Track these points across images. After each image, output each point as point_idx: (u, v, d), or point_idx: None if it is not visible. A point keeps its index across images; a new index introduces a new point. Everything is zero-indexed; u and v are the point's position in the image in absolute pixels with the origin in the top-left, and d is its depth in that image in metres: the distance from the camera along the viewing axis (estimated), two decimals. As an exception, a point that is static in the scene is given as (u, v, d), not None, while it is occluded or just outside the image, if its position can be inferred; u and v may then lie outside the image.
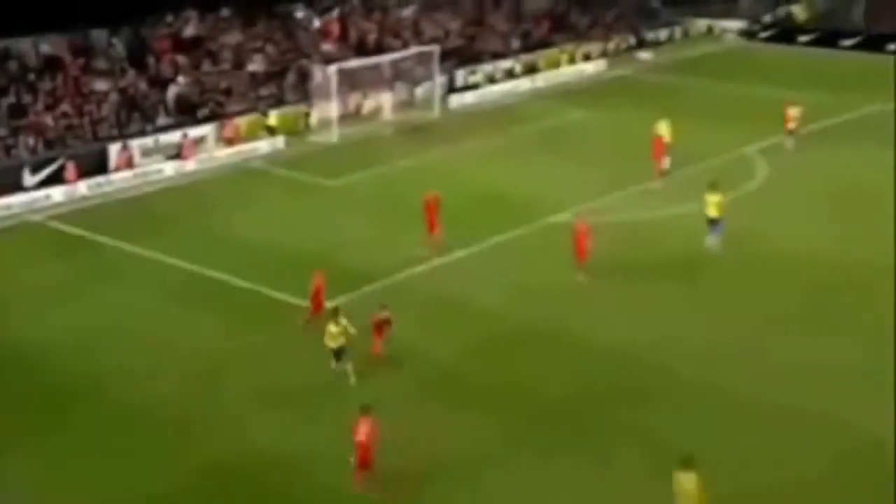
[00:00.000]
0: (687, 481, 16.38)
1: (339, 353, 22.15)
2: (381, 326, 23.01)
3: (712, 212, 28.70)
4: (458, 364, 23.01)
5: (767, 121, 41.07)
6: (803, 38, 59.83)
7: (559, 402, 21.27)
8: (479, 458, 19.26)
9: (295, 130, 42.10)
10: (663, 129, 36.52)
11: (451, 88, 48.11)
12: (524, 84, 50.77)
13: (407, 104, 45.48)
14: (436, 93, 45.88)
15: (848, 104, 44.74)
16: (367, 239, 30.40)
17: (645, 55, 58.10)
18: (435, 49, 45.90)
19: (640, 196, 34.07)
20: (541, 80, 51.52)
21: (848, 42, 57.97)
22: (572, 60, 54.58)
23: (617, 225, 30.89)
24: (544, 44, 54.96)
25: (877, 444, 19.54)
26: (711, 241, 28.82)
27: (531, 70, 52.06)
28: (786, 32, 60.71)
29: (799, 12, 63.01)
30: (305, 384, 22.12)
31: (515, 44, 53.99)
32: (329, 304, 23.89)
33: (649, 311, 25.47)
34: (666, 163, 35.60)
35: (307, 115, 43.14)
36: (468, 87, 48.97)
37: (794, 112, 38.74)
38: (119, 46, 42.40)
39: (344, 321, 22.17)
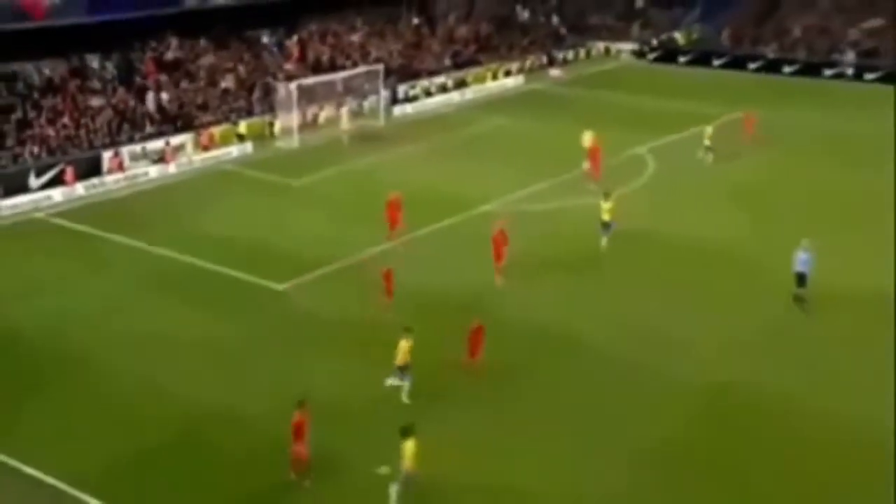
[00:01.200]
0: (407, 448, 15.64)
1: (403, 370, 19.22)
2: (475, 335, 20.32)
3: (605, 216, 27.95)
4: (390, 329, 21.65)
5: (655, 125, 41.60)
6: (682, 59, 60.38)
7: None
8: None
9: (261, 137, 41.24)
10: (587, 138, 35.83)
11: (395, 101, 47.72)
12: (455, 97, 50.55)
13: (357, 115, 44.85)
14: (381, 105, 45.52)
15: (719, 112, 45.08)
16: (324, 229, 29.82)
17: (555, 72, 58.21)
18: (380, 67, 45.56)
19: (552, 189, 33.93)
20: (469, 93, 51.39)
21: (718, 61, 58.60)
22: (495, 76, 54.48)
23: (532, 213, 30.93)
24: (472, 63, 54.81)
25: (744, 405, 19.52)
26: (604, 241, 27.97)
27: (461, 85, 51.87)
28: (669, 53, 61.17)
29: (680, 37, 63.52)
30: (257, 349, 21.54)
31: (448, 63, 53.74)
32: (285, 286, 23.27)
33: (550, 292, 25.25)
34: (585, 166, 35.25)
35: (272, 124, 42.37)
36: (408, 100, 48.59)
37: (709, 130, 37.43)
38: (110, 68, 41.12)
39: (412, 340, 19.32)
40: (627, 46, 63.32)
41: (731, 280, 25.70)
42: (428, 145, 40.76)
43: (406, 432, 15.82)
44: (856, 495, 16.76)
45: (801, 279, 23.76)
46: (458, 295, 24.60)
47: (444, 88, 51.02)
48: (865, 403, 19.38)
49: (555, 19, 65.29)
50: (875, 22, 57.39)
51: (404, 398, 19.20)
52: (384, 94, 46.05)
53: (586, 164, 35.14)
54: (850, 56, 55.18)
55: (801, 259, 23.77)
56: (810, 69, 54.80)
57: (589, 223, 29.27)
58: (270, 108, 42.96)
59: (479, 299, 24.20)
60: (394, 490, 15.83)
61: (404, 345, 19.21)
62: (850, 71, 54.09)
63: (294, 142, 40.90)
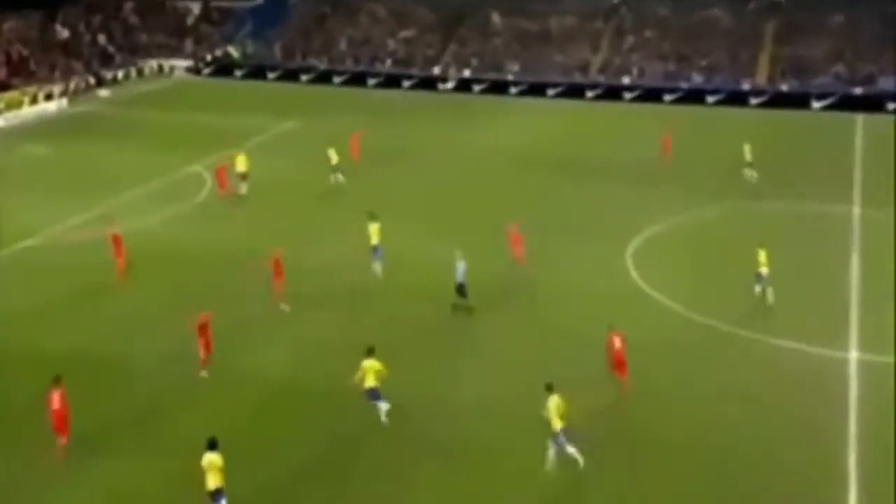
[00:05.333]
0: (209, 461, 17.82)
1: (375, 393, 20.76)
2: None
3: (374, 240, 28.91)
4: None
5: (209, 143, 45.07)
6: (238, 73, 65.63)
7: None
8: None
9: None
10: (241, 161, 37.56)
11: None
12: (-13, 125, 50.20)
13: None
14: None
15: (273, 123, 50.87)
16: None
17: (104, 92, 60.07)
18: None
19: (105, 215, 35.11)
20: (1, 120, 51.63)
21: (272, 74, 64.56)
22: (34, 101, 55.24)
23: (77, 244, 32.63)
24: (4, 87, 55.10)
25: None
26: (376, 267, 29.13)
27: (-7, 112, 51.67)
28: (224, 68, 65.96)
29: (234, 52, 68.32)
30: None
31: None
32: None
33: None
34: (243, 188, 37.38)
35: None
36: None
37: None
38: None
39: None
40: (182, 63, 67.04)
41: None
42: None
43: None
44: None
45: (460, 289, 26.47)
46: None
47: None
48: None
49: (101, 38, 67.14)
50: (409, 32, 66.84)
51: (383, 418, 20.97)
52: None
53: (244, 187, 37.46)
54: (388, 64, 63.80)
55: (459, 270, 26.39)
56: (356, 78, 63.03)
57: (145, 247, 31.28)
58: None
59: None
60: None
61: (368, 365, 20.73)
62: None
63: None
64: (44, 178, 41.40)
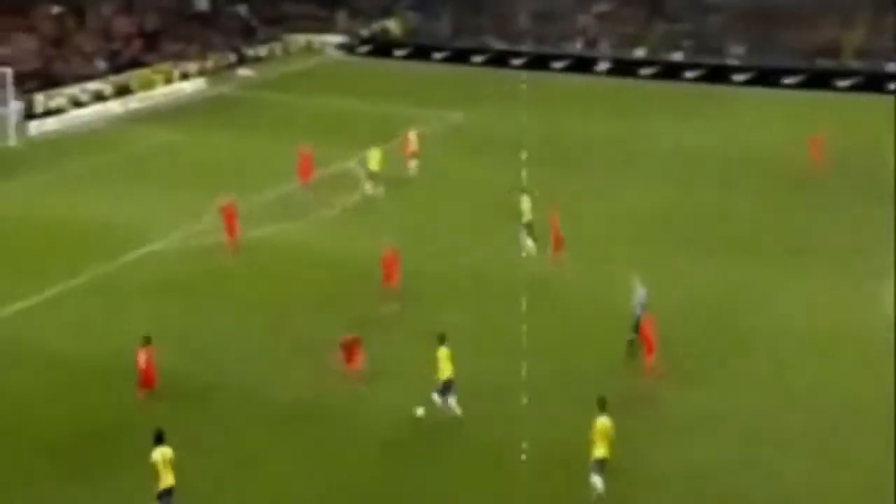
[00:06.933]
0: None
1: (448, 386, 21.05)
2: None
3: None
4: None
5: (361, 136, 41.41)
6: (399, 53, 61.95)
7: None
8: None
9: None
10: (374, 159, 36.03)
11: (30, 115, 44.86)
12: (115, 107, 48.37)
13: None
14: (11, 120, 42.55)
15: (436, 114, 46.72)
16: None
17: (245, 72, 57.52)
18: (6, 72, 42.66)
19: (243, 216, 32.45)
20: (134, 101, 49.52)
21: (438, 55, 60.84)
22: (168, 80, 52.78)
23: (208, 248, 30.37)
24: (136, 64, 52.81)
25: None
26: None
27: (123, 92, 49.75)
28: (382, 46, 62.66)
29: (394, 27, 65.17)
30: None
31: (103, 65, 51.40)
32: None
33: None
34: (370, 187, 35.83)
35: None
36: (50, 113, 45.85)
37: (413, 136, 38.56)
38: None
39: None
40: (333, 39, 64.04)
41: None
42: (75, 170, 38.84)
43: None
44: None
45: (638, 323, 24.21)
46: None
47: (100, 97, 49.08)
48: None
49: (243, 9, 64.94)
50: (604, 6, 62.58)
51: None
52: (15, 106, 43.52)
53: (370, 186, 35.93)
54: (578, 45, 59.95)
55: (638, 298, 24.24)
56: (538, 61, 58.34)
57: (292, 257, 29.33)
58: None
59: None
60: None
61: (444, 354, 21.03)
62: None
63: None
64: (173, 170, 39.31)
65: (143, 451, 17.86)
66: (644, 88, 54.87)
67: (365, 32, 64.51)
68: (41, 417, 21.35)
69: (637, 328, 23.93)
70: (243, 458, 19.99)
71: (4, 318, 25.72)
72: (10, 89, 42.68)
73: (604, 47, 59.60)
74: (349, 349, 22.57)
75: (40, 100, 46.05)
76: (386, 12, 66.25)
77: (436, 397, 20.93)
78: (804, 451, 20.46)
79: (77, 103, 47.38)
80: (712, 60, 56.42)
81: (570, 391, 21.93)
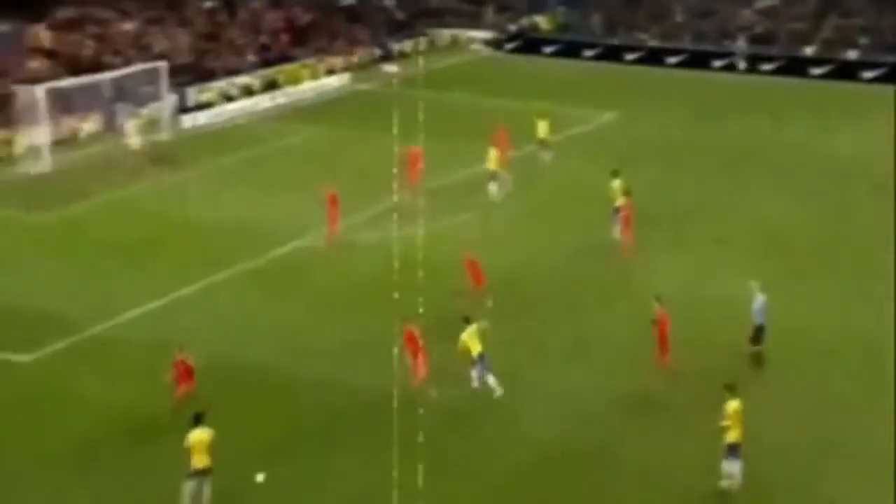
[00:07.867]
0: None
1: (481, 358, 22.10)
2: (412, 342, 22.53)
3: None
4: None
5: (515, 133, 40.76)
6: (548, 49, 61.65)
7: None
8: None
9: (-5, 160, 39.40)
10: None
11: (183, 108, 46.46)
12: (263, 101, 49.66)
13: (138, 127, 42.45)
14: (165, 114, 44.01)
15: (587, 114, 46.48)
16: (82, 281, 28.44)
17: (390, 68, 57.66)
18: (162, 65, 44.06)
19: (387, 215, 32.53)
20: (281, 96, 50.65)
21: (589, 52, 60.26)
22: (315, 75, 53.91)
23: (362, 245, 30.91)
24: (285, 58, 54.07)
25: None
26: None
27: (271, 86, 51.03)
28: (531, 43, 62.40)
29: (543, 22, 65.03)
30: None
31: (253, 59, 52.86)
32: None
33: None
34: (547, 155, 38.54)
35: (10, 141, 40.30)
36: (201, 107, 47.39)
37: (543, 124, 39.08)
38: None
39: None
40: (480, 34, 64.13)
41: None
42: (226, 164, 39.91)
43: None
44: None
45: (758, 333, 23.90)
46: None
47: (248, 91, 50.26)
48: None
49: (389, 2, 65.60)
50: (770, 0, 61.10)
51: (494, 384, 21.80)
52: (169, 99, 44.84)
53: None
54: (741, 43, 58.24)
55: (757, 305, 23.85)
56: (697, 59, 57.34)
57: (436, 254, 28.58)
58: (9, 121, 40.82)
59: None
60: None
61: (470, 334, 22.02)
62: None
63: (44, 164, 39.11)
64: (321, 166, 39.49)
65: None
66: (815, 89, 53.10)
67: (513, 28, 64.49)
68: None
69: (757, 339, 23.59)
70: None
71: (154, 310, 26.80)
72: (165, 83, 43.86)
73: (769, 46, 57.90)
74: (414, 346, 22.40)
75: (192, 94, 47.60)
76: (535, 7, 66.19)
77: (474, 374, 21.91)
78: None
79: (227, 97, 48.75)
80: (892, 59, 54.30)
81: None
